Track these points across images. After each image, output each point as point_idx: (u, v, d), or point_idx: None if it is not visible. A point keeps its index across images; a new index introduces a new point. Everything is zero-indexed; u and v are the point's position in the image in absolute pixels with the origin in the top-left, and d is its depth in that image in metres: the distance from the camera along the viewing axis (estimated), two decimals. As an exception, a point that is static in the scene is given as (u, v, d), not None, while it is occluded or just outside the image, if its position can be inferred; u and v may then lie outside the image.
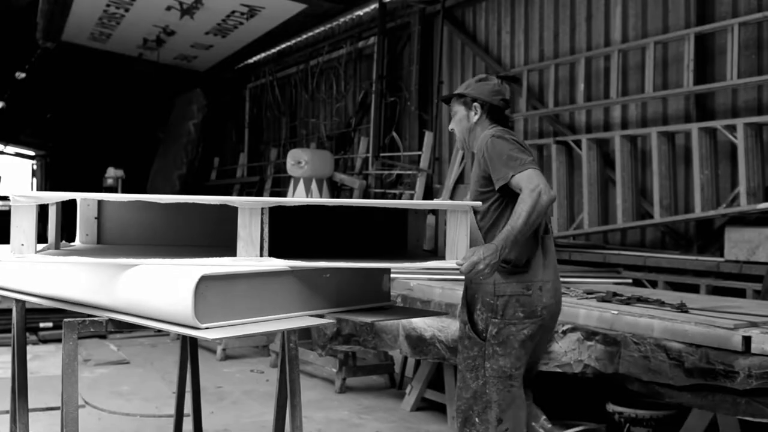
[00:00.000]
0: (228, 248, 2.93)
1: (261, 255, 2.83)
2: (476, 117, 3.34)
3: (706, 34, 5.78)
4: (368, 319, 2.99)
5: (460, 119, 3.38)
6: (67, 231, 3.68)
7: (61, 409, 2.83)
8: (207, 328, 2.60)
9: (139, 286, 2.77)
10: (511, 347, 3.14)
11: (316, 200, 3.90)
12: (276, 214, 3.06)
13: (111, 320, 2.86)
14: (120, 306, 2.86)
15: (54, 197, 2.96)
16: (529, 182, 2.97)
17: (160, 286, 2.68)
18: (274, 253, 2.92)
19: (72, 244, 3.69)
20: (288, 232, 3.30)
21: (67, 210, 3.56)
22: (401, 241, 3.48)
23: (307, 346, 6.17)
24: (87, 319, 2.84)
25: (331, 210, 3.37)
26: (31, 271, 3.30)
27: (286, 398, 3.03)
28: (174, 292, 2.61)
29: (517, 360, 3.15)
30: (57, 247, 3.43)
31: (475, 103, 3.33)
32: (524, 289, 3.14)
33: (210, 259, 2.84)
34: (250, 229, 2.82)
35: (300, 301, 2.92)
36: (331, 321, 2.85)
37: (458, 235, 2.95)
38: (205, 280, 2.60)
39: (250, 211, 2.82)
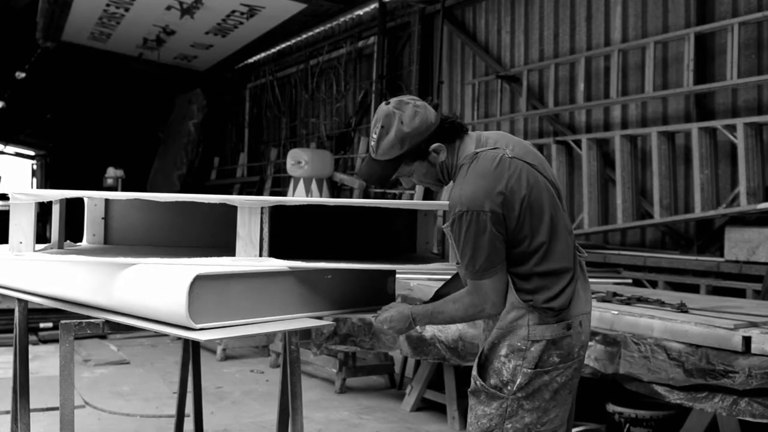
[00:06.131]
0: (233, 248, 2.92)
1: (260, 255, 2.81)
2: (443, 156, 2.54)
3: (706, 34, 5.78)
4: (369, 315, 2.94)
5: (425, 173, 2.58)
6: (75, 232, 3.70)
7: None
8: (202, 328, 2.58)
9: (135, 286, 2.76)
10: (541, 399, 2.50)
11: (316, 200, 3.89)
12: (284, 214, 3.05)
13: (108, 322, 2.84)
14: (117, 306, 2.85)
15: (52, 195, 2.96)
16: (478, 294, 2.47)
17: (156, 286, 2.67)
18: (280, 253, 2.91)
19: (79, 243, 3.69)
20: (296, 233, 3.29)
21: (74, 211, 3.56)
22: (411, 242, 3.47)
23: (307, 346, 6.18)
24: (83, 320, 2.83)
25: (341, 210, 3.36)
26: (30, 271, 3.29)
27: (289, 400, 3.02)
28: (169, 292, 2.59)
29: (545, 414, 2.51)
30: (60, 246, 3.42)
31: (434, 146, 2.52)
32: (565, 329, 2.50)
33: (208, 258, 2.83)
34: (249, 229, 2.80)
35: (300, 302, 2.90)
36: (330, 323, 2.83)
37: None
38: (200, 280, 2.58)
39: (250, 210, 2.81)
